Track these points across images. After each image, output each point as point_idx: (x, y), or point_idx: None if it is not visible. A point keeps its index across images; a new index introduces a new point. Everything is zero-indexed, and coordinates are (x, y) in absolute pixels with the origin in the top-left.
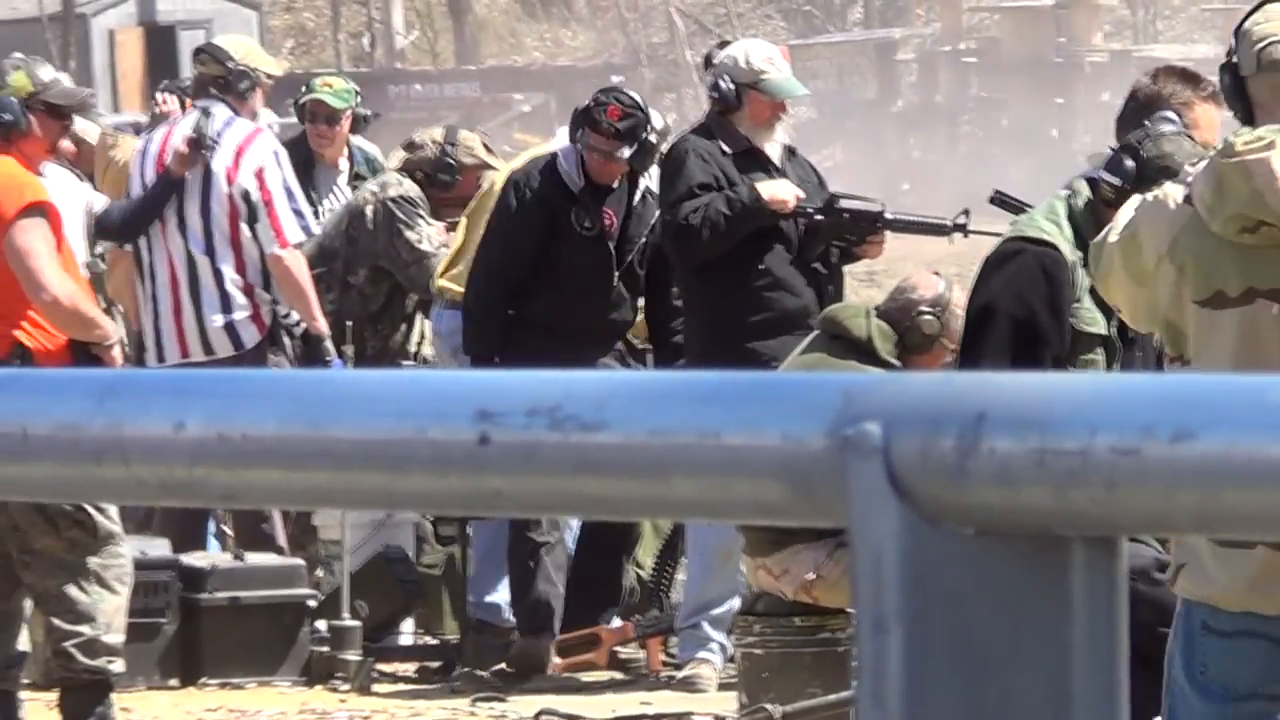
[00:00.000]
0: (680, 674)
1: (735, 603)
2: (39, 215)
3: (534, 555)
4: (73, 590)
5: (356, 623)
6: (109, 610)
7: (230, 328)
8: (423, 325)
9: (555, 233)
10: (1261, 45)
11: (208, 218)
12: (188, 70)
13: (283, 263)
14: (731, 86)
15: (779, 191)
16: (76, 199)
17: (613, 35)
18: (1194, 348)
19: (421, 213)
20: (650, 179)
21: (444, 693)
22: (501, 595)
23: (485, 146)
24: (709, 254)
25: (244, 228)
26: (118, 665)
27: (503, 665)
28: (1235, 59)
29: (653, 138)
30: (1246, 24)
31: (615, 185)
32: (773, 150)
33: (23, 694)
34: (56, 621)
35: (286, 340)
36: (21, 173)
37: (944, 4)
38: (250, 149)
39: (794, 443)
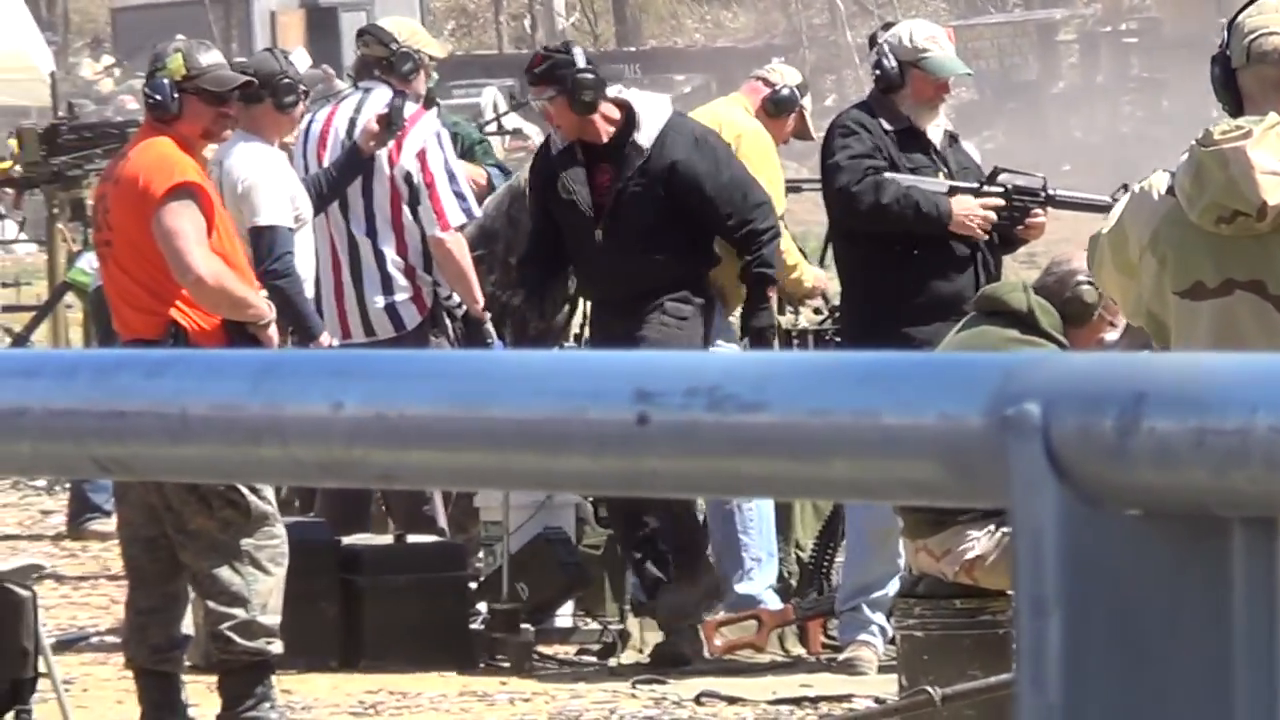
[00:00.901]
0: (841, 656)
1: (894, 585)
2: (186, 196)
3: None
4: (226, 572)
5: (517, 605)
6: (264, 591)
7: (391, 309)
8: (584, 307)
9: (552, 202)
10: (1252, 38)
11: (369, 199)
12: (349, 52)
13: (444, 245)
14: (894, 64)
15: (967, 216)
16: (280, 168)
17: (774, 16)
18: (1174, 339)
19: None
20: (640, 131)
21: (604, 675)
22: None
23: None
24: (874, 228)
25: (405, 210)
26: (276, 646)
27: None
28: (1227, 51)
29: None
30: (1240, 17)
31: (606, 142)
32: (934, 133)
33: (185, 676)
34: (211, 604)
35: (448, 322)
36: (174, 153)
37: None
38: (413, 131)
39: (953, 423)
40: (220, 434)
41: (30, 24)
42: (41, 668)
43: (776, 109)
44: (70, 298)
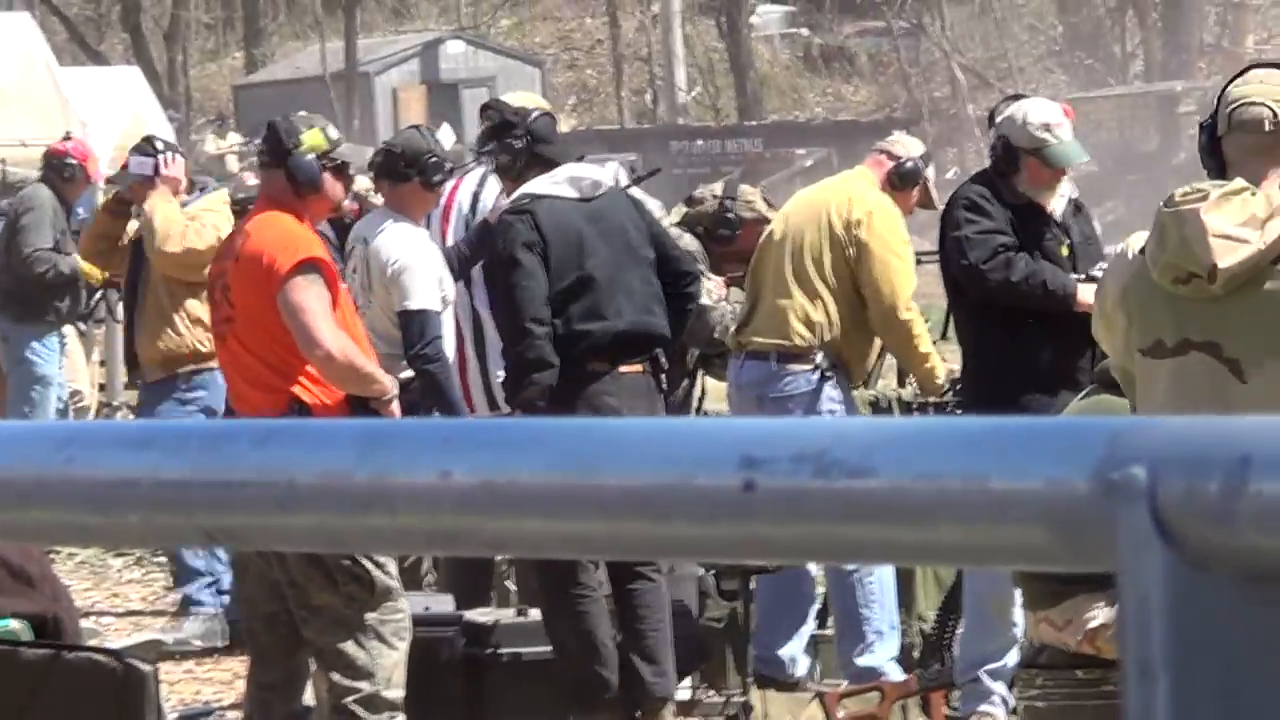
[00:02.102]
0: None
1: (1014, 655)
2: (313, 271)
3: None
4: (351, 646)
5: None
6: (388, 666)
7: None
8: (703, 380)
9: None
10: (1233, 107)
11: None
12: (471, 128)
13: None
14: (1008, 152)
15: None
16: (429, 250)
17: (894, 90)
18: (1138, 396)
19: (701, 267)
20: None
21: None
22: (786, 649)
23: (765, 200)
24: (1001, 304)
25: None
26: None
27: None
28: (1214, 119)
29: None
30: (1229, 86)
31: None
32: (1058, 203)
33: None
34: (336, 677)
35: None
36: (297, 229)
37: (1226, 56)
38: None
39: (1059, 487)
40: (328, 503)
41: (152, 101)
42: None
43: (902, 181)
44: None
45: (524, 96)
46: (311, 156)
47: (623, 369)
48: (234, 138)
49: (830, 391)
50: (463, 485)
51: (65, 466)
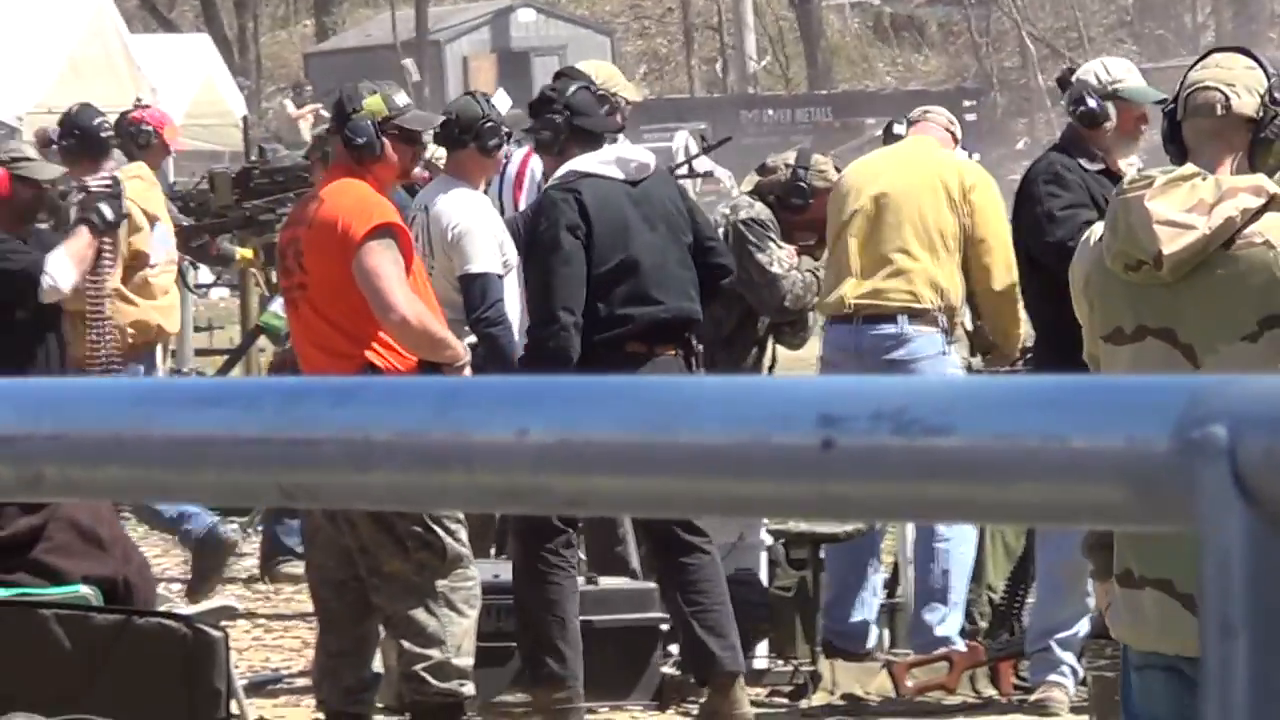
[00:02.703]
0: (1032, 697)
1: (1084, 625)
2: (387, 237)
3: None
4: (422, 613)
5: None
6: (458, 633)
7: None
8: (774, 349)
9: None
10: (1188, 91)
11: None
12: None
13: None
14: (1096, 100)
15: None
16: (489, 214)
17: (964, 60)
18: None
19: (772, 235)
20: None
21: (795, 717)
22: (855, 617)
23: (837, 169)
24: None
25: None
26: (469, 688)
27: (856, 689)
28: (1175, 103)
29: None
30: (1189, 71)
31: None
32: (1129, 172)
33: (376, 717)
34: (406, 644)
35: None
36: (371, 195)
37: None
38: None
39: (1138, 445)
40: (405, 461)
41: (222, 69)
42: (234, 709)
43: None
44: (262, 342)
45: (596, 66)
46: (368, 121)
47: (658, 350)
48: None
49: (953, 354)
50: (539, 443)
51: (143, 424)
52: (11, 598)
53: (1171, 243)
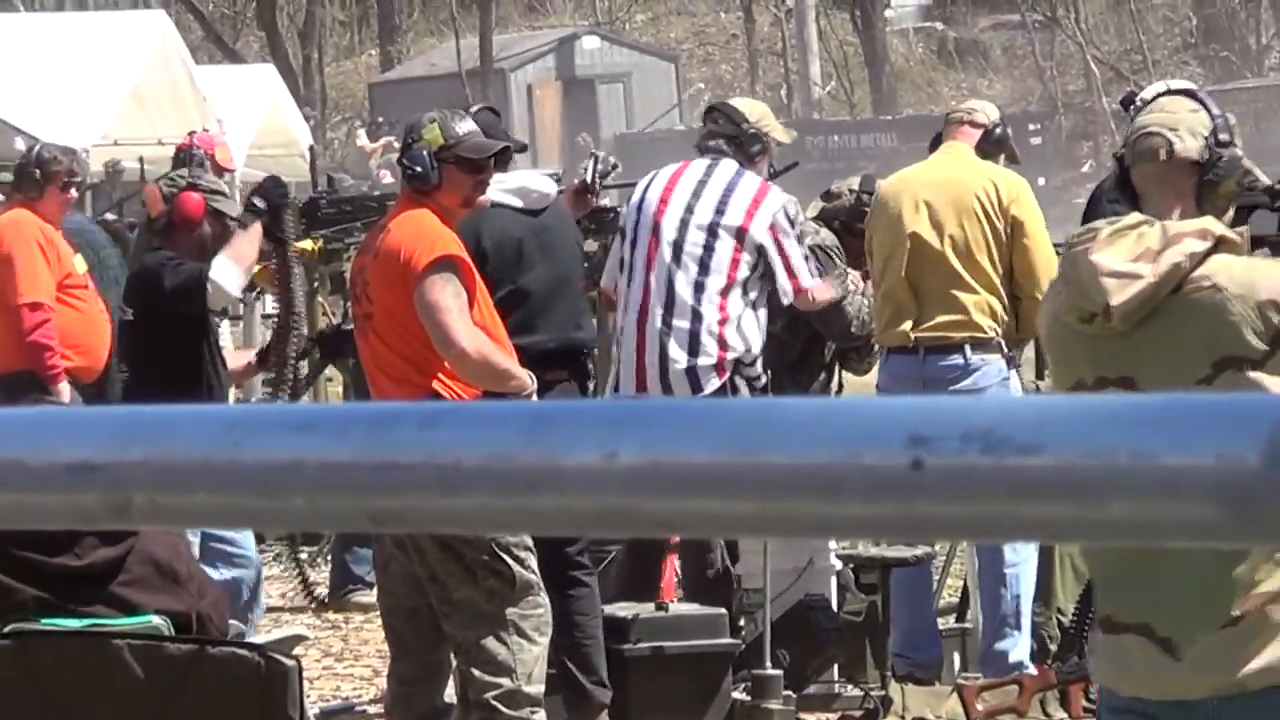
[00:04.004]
0: None
1: None
2: (448, 269)
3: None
4: (492, 642)
5: (778, 671)
6: (529, 661)
7: (693, 371)
8: (840, 375)
9: None
10: (1134, 136)
11: (707, 262)
12: (606, 123)
13: (808, 293)
14: None
15: None
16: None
17: (1029, 84)
18: None
19: (838, 260)
20: None
21: None
22: (925, 642)
23: None
24: None
25: (740, 278)
26: (539, 716)
27: (926, 714)
28: (1125, 150)
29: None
30: (1138, 115)
31: None
32: None
33: None
34: (476, 673)
35: (745, 390)
36: (434, 225)
37: None
38: (764, 203)
39: (1230, 462)
40: (494, 485)
41: (288, 99)
42: None
43: (994, 149)
44: (331, 370)
45: (750, 105)
46: (425, 151)
47: (549, 377)
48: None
49: (1016, 380)
50: (629, 465)
51: (232, 450)
52: (86, 628)
53: (1119, 293)
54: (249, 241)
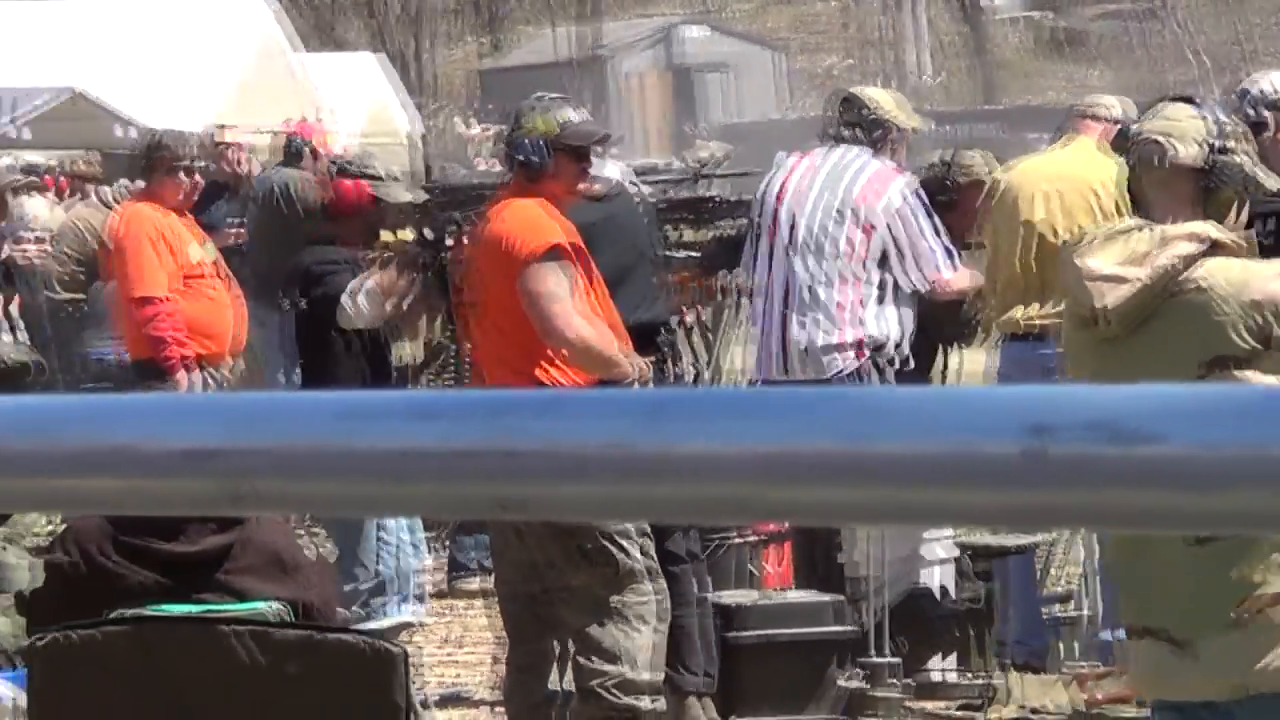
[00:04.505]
0: None
1: None
2: (553, 258)
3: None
4: (598, 629)
5: (891, 659)
6: (638, 648)
7: (829, 350)
8: (947, 354)
9: None
10: (1134, 143)
11: (836, 244)
12: (709, 110)
13: (946, 282)
14: (1256, 113)
15: None
16: None
17: (1134, 73)
18: None
19: None
20: None
21: None
22: (1036, 630)
23: (998, 160)
24: None
25: (867, 261)
26: (645, 703)
27: (1037, 702)
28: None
29: None
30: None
31: None
32: None
33: None
34: (586, 659)
35: (876, 375)
36: (540, 215)
37: None
38: (889, 189)
39: None
40: (615, 472)
41: (394, 88)
42: None
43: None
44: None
45: (877, 94)
46: (537, 139)
47: None
48: (479, 126)
49: None
50: (746, 454)
51: (351, 437)
52: (195, 613)
53: (1109, 296)
54: (401, 274)
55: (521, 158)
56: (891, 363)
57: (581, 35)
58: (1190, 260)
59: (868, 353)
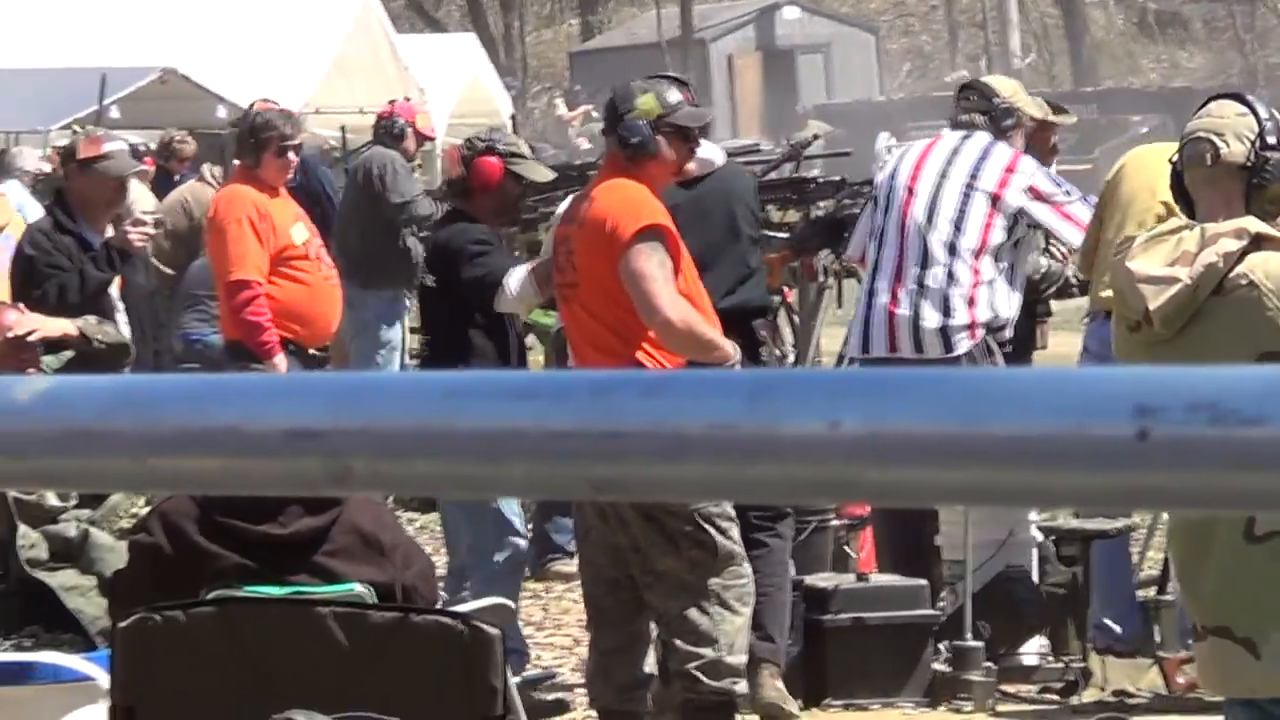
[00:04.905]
0: None
1: None
2: (655, 238)
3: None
4: (694, 612)
5: (979, 643)
6: (731, 631)
7: (945, 331)
8: (1036, 334)
9: None
10: (1184, 142)
11: (960, 225)
12: (805, 92)
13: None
14: None
15: None
16: None
17: (1229, 56)
18: None
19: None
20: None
21: (1066, 713)
22: (1125, 614)
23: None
24: None
25: (991, 243)
26: (741, 686)
27: (1127, 686)
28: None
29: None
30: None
31: None
32: None
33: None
34: (678, 643)
35: (996, 357)
36: (642, 195)
37: None
38: (1019, 169)
39: None
40: (715, 453)
41: (489, 68)
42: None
43: None
44: (531, 339)
45: (1000, 81)
46: (643, 121)
47: None
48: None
49: None
50: (851, 434)
51: (452, 417)
52: (289, 595)
53: (1156, 298)
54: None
55: (630, 138)
56: (1003, 345)
57: (678, 16)
58: (1233, 257)
59: (983, 333)
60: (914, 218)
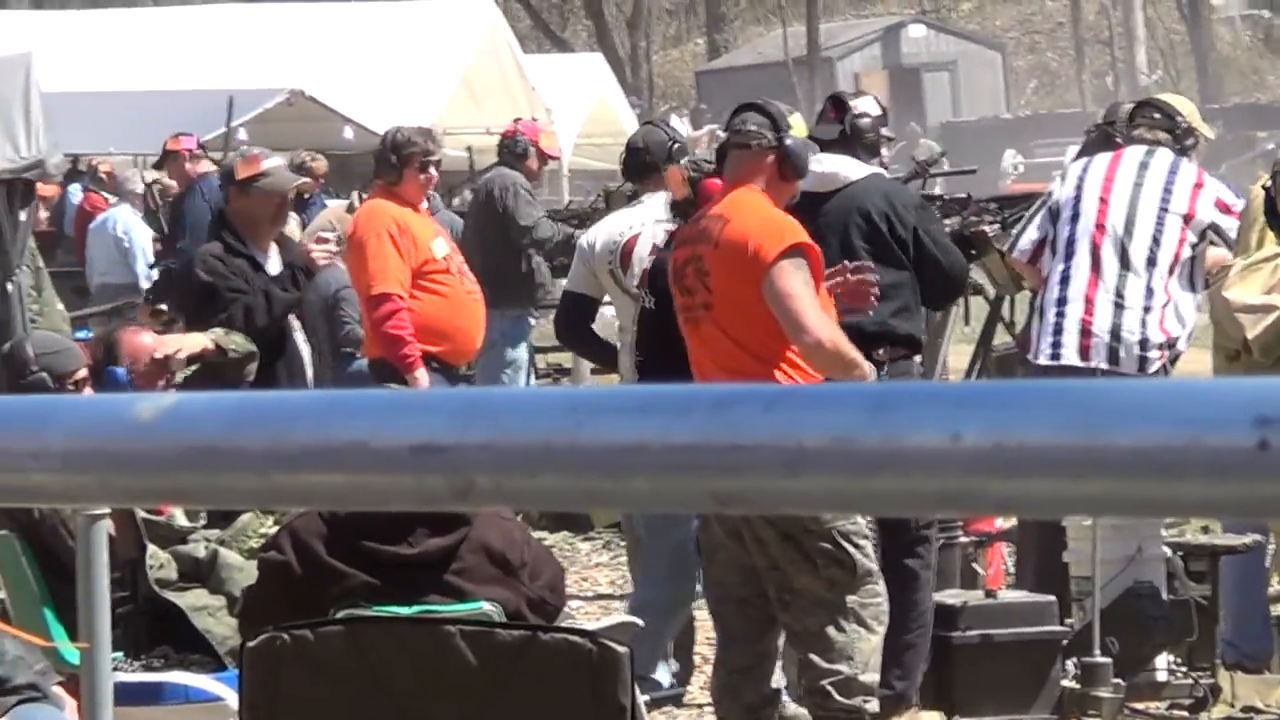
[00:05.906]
0: None
1: None
2: (799, 256)
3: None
4: (831, 630)
5: (1108, 659)
6: (866, 649)
7: (1144, 344)
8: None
9: None
10: (1277, 165)
11: (1157, 241)
12: (931, 109)
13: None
14: None
15: None
16: None
17: None
18: None
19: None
20: None
21: None
22: (1254, 630)
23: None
24: None
25: (1184, 258)
26: (873, 705)
27: (1256, 703)
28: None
29: None
30: None
31: None
32: None
33: None
34: (814, 659)
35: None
36: (777, 213)
37: None
38: (1205, 185)
39: None
40: (837, 466)
41: (615, 88)
42: None
43: None
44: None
45: (1183, 101)
46: (800, 141)
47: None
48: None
49: None
50: (973, 447)
51: (574, 431)
52: (417, 614)
53: (1255, 327)
54: None
55: (793, 161)
56: (1174, 360)
57: (804, 35)
58: None
59: (1169, 353)
60: (1111, 227)
